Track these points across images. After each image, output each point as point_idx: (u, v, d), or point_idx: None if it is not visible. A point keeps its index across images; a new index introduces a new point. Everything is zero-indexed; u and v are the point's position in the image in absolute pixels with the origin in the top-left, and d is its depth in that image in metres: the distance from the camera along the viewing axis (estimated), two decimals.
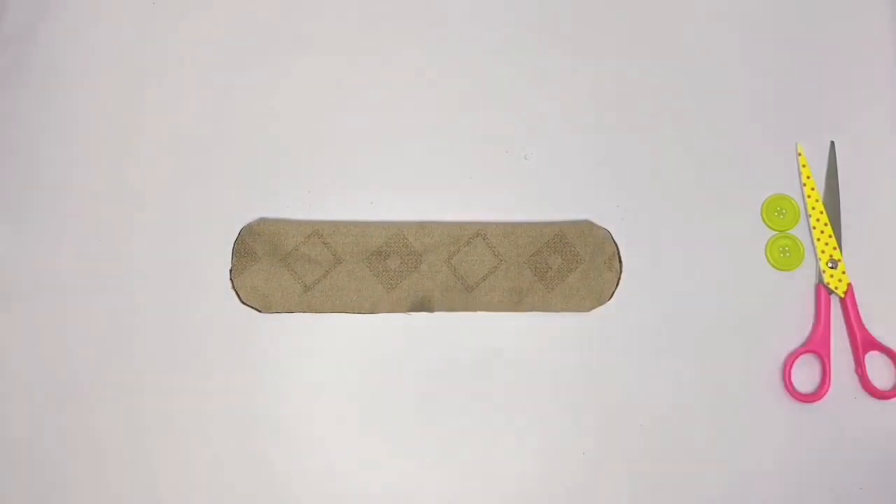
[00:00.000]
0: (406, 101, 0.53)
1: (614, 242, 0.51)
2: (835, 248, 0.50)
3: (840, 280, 0.50)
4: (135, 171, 0.52)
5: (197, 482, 0.48)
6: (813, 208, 0.51)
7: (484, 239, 0.51)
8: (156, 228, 0.51)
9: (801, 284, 0.50)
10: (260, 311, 0.49)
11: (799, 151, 0.51)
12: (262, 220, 0.50)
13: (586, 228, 0.51)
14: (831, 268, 0.50)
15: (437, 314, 0.50)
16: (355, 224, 0.51)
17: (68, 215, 0.51)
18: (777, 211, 0.51)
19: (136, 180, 0.51)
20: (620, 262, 0.50)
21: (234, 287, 0.49)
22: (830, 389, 0.48)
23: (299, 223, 0.50)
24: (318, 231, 0.50)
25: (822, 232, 0.50)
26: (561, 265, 0.50)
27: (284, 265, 0.50)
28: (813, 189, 0.51)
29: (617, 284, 0.50)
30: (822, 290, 0.49)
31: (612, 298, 0.50)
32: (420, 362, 0.50)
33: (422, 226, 0.51)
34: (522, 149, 0.53)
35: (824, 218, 0.51)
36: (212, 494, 0.48)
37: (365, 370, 0.50)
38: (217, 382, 0.49)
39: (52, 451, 0.48)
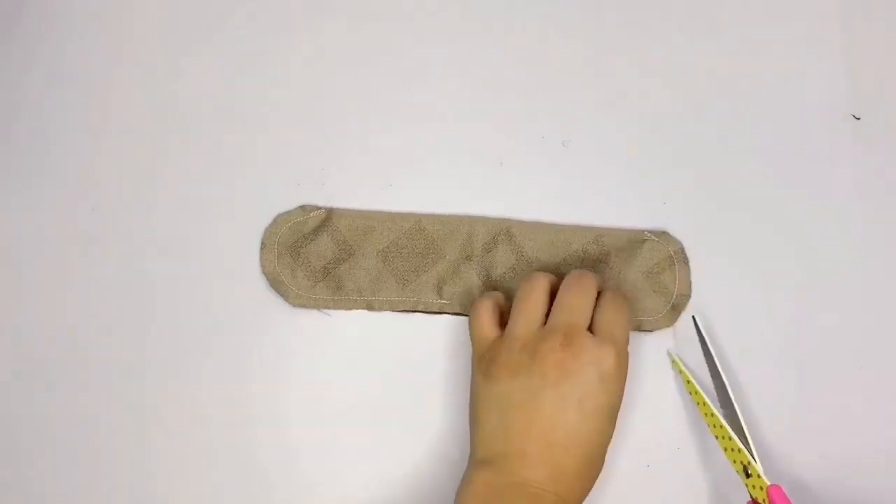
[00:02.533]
0: (435, 77, 0.51)
1: (674, 257, 0.46)
2: (740, 452, 0.40)
3: (760, 486, 0.39)
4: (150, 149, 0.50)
5: (192, 475, 0.46)
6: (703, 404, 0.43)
7: (509, 237, 0.47)
8: (175, 210, 0.49)
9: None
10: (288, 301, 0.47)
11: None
12: (302, 208, 0.48)
13: (627, 236, 0.47)
14: (748, 477, 0.40)
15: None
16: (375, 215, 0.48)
17: (76, 191, 0.49)
18: None
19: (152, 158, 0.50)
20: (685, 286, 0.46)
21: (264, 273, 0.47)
22: None
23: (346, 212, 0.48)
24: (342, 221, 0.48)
25: (722, 438, 0.41)
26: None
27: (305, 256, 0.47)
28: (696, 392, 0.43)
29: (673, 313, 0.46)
30: None
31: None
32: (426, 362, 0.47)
33: (441, 219, 0.48)
34: (561, 134, 0.50)
35: (717, 419, 0.42)
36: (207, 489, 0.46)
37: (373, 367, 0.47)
38: (226, 372, 0.47)
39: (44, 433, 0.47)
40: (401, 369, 0.47)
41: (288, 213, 0.48)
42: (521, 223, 0.48)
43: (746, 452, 0.40)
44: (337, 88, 0.51)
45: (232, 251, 0.48)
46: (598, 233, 0.47)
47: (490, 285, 0.47)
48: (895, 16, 0.52)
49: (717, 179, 0.49)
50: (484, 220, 0.48)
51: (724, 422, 0.41)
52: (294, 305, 0.47)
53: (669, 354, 0.46)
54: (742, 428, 0.41)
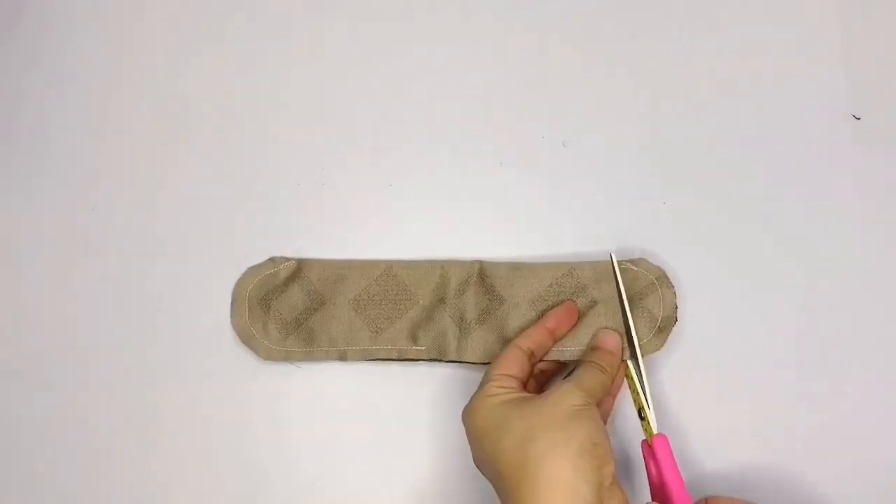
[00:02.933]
0: (437, 73, 0.51)
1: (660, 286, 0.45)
2: (639, 395, 0.42)
3: (650, 432, 0.42)
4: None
5: (191, 476, 0.46)
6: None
7: (481, 279, 0.46)
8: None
9: None
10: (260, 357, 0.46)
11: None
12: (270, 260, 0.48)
13: (602, 267, 0.46)
14: (641, 418, 0.42)
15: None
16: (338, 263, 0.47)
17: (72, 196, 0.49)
18: None
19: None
20: (670, 318, 0.45)
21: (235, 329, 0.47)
22: None
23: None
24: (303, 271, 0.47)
25: (629, 378, 0.44)
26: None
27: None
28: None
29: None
30: (645, 447, 0.42)
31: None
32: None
33: (412, 264, 0.47)
34: (561, 135, 0.50)
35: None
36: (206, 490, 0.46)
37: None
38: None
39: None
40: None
41: (258, 266, 0.47)
42: (493, 265, 0.46)
43: (642, 396, 0.42)
44: (337, 97, 0.51)
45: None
46: (571, 266, 0.46)
47: (465, 328, 0.46)
48: (895, 16, 0.52)
49: (716, 179, 0.49)
50: (455, 263, 0.47)
51: (630, 365, 0.43)
52: (264, 360, 0.46)
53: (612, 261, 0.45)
54: (641, 372, 0.43)
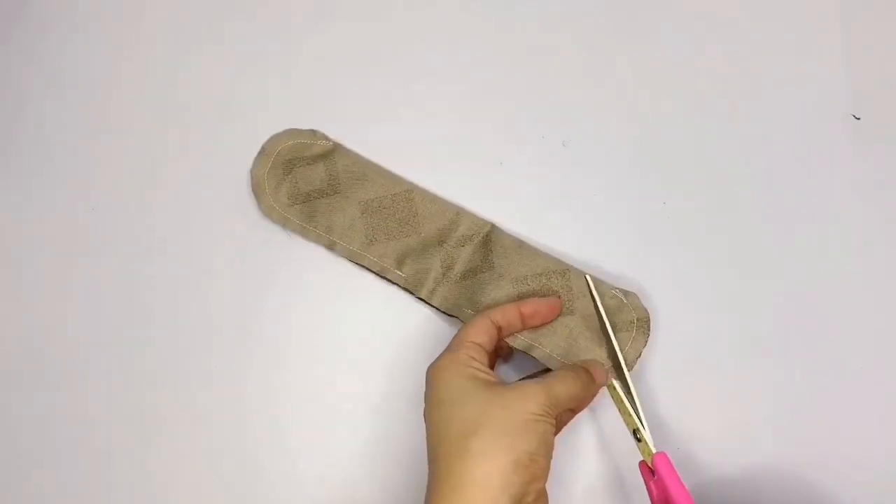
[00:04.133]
0: (437, 73, 0.51)
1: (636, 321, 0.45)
2: (632, 417, 0.42)
3: (647, 452, 0.41)
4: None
5: (191, 472, 0.46)
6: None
7: (484, 241, 0.46)
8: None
9: None
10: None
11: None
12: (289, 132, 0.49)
13: (595, 282, 0.45)
14: (637, 440, 0.42)
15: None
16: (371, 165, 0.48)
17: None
18: None
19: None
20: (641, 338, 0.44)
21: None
22: None
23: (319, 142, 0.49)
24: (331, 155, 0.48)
25: (619, 401, 0.43)
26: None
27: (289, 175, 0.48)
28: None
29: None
30: (644, 468, 0.41)
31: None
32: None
33: (432, 197, 0.48)
34: (561, 135, 0.50)
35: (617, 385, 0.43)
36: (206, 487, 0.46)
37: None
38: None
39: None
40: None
41: (300, 131, 0.49)
42: (500, 233, 0.47)
43: (635, 418, 0.41)
44: (337, 87, 0.51)
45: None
46: (567, 268, 0.46)
47: (447, 277, 0.46)
48: (895, 16, 0.52)
49: (716, 179, 0.49)
50: (470, 216, 0.47)
51: (617, 387, 0.43)
52: (263, 215, 0.48)
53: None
54: (632, 395, 0.42)
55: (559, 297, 0.45)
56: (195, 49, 0.52)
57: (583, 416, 0.45)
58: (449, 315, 0.46)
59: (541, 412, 0.37)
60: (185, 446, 0.46)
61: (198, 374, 0.47)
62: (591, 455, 0.45)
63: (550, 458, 0.37)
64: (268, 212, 0.47)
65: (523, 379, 0.43)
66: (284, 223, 0.47)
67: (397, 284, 0.47)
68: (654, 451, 0.40)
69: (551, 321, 0.44)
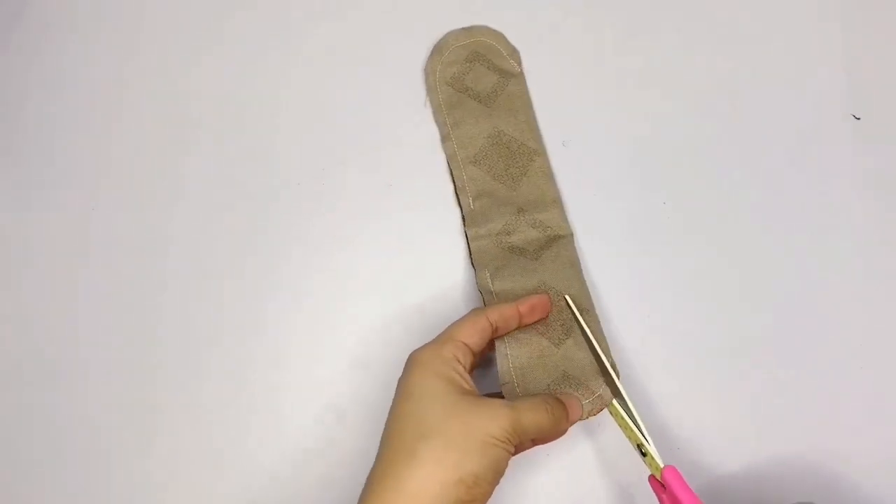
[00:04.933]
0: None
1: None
2: (634, 433, 0.40)
3: (655, 466, 0.39)
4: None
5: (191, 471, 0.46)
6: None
7: (551, 240, 0.46)
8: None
9: None
10: None
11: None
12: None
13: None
14: (643, 454, 0.40)
15: None
16: None
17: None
18: None
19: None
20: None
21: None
22: None
23: None
24: None
25: (620, 419, 0.41)
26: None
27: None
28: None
29: None
30: (654, 482, 0.40)
31: None
32: None
33: (548, 173, 0.49)
34: (561, 135, 0.50)
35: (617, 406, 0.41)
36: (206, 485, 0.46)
37: None
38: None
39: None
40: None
41: (506, 40, 0.51)
42: (569, 244, 0.47)
43: (638, 433, 0.40)
44: (337, 84, 0.51)
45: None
46: (590, 307, 0.45)
47: (499, 239, 0.46)
48: (895, 16, 0.52)
49: (716, 179, 0.49)
50: (559, 212, 0.48)
51: (617, 404, 0.41)
52: (425, 70, 0.50)
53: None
54: (630, 410, 0.41)
55: (548, 294, 0.44)
56: (197, 48, 0.52)
57: (582, 434, 0.45)
58: (472, 266, 0.47)
59: (501, 438, 0.36)
60: (186, 446, 0.46)
61: (198, 374, 0.47)
62: (595, 473, 0.45)
63: (496, 484, 0.36)
64: (430, 72, 0.50)
65: (494, 395, 0.42)
66: (432, 90, 0.50)
67: (461, 209, 0.48)
68: (661, 464, 0.39)
69: (546, 317, 0.44)
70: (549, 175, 0.48)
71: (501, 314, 0.41)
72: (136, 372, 0.47)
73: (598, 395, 0.41)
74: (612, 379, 0.42)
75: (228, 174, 0.50)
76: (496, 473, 0.36)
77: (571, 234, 0.47)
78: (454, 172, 0.48)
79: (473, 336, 0.40)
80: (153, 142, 0.50)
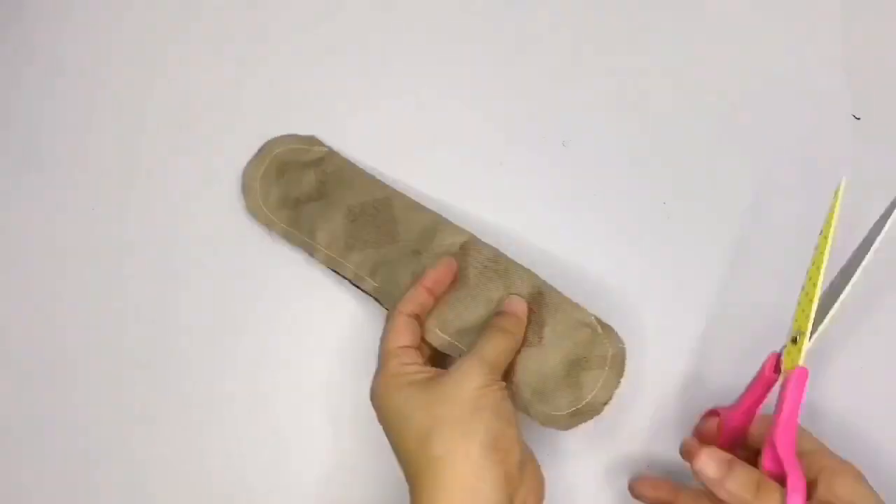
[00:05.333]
0: (437, 73, 0.51)
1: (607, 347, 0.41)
2: (806, 319, 0.37)
3: (793, 359, 0.37)
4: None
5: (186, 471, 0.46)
6: (814, 263, 0.37)
7: (463, 252, 0.44)
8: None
9: None
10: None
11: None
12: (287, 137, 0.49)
13: (567, 306, 0.42)
14: (793, 342, 0.37)
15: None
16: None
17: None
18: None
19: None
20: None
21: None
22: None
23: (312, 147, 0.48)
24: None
25: (806, 294, 0.37)
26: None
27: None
28: (827, 238, 0.37)
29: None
30: (771, 364, 0.38)
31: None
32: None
33: (411, 204, 0.46)
34: (561, 135, 0.50)
35: (817, 277, 0.37)
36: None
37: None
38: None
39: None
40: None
41: (299, 137, 0.48)
42: (478, 244, 0.44)
43: (812, 318, 0.36)
44: (336, 87, 0.51)
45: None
46: (540, 285, 0.43)
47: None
48: (895, 16, 0.52)
49: (716, 179, 0.49)
50: (448, 225, 0.45)
51: (819, 282, 0.37)
52: (249, 213, 0.47)
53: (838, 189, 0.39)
54: (828, 305, 0.37)
55: (452, 257, 0.43)
56: (198, 48, 0.52)
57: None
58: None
59: (482, 384, 0.36)
60: (181, 447, 0.46)
61: (191, 375, 0.47)
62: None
63: (513, 422, 0.36)
64: (254, 211, 0.47)
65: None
66: (270, 225, 0.47)
67: (365, 292, 0.45)
68: (802, 362, 0.36)
69: (454, 280, 0.43)
70: (414, 205, 0.46)
71: (413, 301, 0.41)
72: (135, 372, 0.47)
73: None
74: (850, 275, 0.37)
75: (229, 174, 0.50)
76: (503, 417, 0.36)
77: (472, 235, 0.45)
78: (340, 271, 0.46)
79: (404, 337, 0.40)
80: (153, 142, 0.50)
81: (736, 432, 0.39)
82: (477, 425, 0.35)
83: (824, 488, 0.35)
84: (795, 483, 0.34)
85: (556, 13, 0.52)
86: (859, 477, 0.36)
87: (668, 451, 0.45)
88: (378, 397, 0.38)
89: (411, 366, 0.38)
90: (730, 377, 0.46)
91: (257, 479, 0.46)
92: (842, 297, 0.37)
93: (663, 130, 0.50)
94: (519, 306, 0.42)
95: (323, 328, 0.48)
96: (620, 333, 0.43)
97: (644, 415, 0.45)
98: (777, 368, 0.38)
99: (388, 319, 0.41)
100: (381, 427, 0.38)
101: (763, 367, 0.38)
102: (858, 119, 0.50)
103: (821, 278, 0.37)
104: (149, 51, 0.52)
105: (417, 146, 0.50)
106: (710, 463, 0.35)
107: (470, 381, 0.36)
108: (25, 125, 0.51)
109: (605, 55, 0.51)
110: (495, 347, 0.39)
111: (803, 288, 0.38)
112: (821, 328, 0.37)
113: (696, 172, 0.49)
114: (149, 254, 0.49)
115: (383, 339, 0.40)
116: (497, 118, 0.50)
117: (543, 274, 0.45)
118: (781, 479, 0.34)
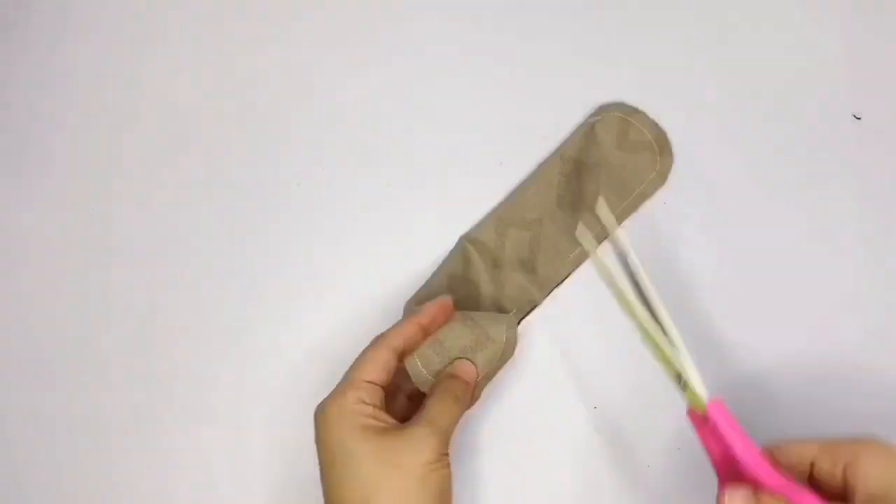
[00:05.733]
0: (434, 77, 0.51)
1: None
2: (672, 362, 0.36)
3: (698, 400, 0.35)
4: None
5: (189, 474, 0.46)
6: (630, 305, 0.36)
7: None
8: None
9: None
10: None
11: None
12: None
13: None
14: (682, 388, 0.36)
15: None
16: None
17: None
18: None
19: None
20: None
21: None
22: None
23: None
24: None
25: (654, 345, 0.36)
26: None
27: None
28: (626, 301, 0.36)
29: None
30: (693, 416, 0.36)
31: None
32: None
33: None
34: (561, 135, 0.49)
35: (647, 333, 0.36)
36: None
37: None
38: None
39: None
40: None
41: None
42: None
43: (678, 361, 0.35)
44: (336, 87, 0.51)
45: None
46: (562, 151, 0.48)
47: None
48: (895, 16, 0.52)
49: (716, 179, 0.49)
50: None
51: (652, 331, 0.36)
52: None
53: (589, 247, 0.40)
54: (672, 336, 0.36)
55: (446, 296, 0.43)
56: (198, 48, 0.52)
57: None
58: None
59: (436, 458, 0.36)
60: (182, 447, 0.46)
61: (194, 376, 0.47)
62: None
63: (451, 499, 0.36)
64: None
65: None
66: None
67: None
68: (706, 398, 0.34)
69: (447, 320, 0.42)
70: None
71: (404, 336, 0.40)
72: (135, 372, 0.47)
73: (499, 343, 0.42)
74: (652, 301, 0.37)
75: (229, 174, 0.50)
76: (445, 493, 0.36)
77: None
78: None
79: (376, 372, 0.38)
80: (153, 142, 0.51)
81: (759, 482, 0.34)
82: (423, 500, 0.35)
83: (854, 479, 0.32)
84: (802, 498, 0.31)
85: (557, 13, 0.52)
86: (881, 448, 0.33)
87: (668, 451, 0.45)
88: (324, 426, 0.37)
89: (368, 407, 0.37)
90: (730, 376, 0.46)
91: (255, 480, 0.46)
92: (674, 331, 0.36)
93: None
94: (469, 372, 0.40)
95: (323, 327, 0.48)
96: (619, 335, 0.44)
97: (645, 414, 0.45)
98: (701, 417, 0.35)
99: (371, 346, 0.39)
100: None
101: (696, 428, 0.36)
102: (859, 119, 0.50)
103: (651, 331, 0.36)
104: (148, 52, 0.52)
105: (417, 146, 0.50)
106: (734, 497, 0.32)
107: (422, 453, 0.36)
108: (24, 125, 0.51)
109: (604, 55, 0.51)
110: (447, 414, 0.38)
111: (646, 341, 0.37)
112: (688, 360, 0.36)
113: (696, 172, 0.49)
114: (145, 254, 0.49)
115: (355, 365, 0.39)
116: (497, 118, 0.50)
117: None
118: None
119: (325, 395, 0.46)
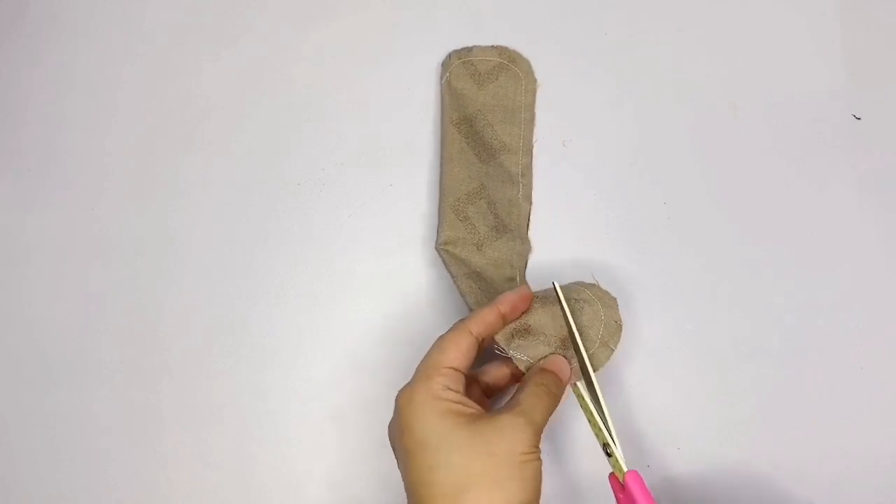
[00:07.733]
0: (435, 76, 0.51)
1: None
2: (602, 432, 0.39)
3: (619, 468, 0.38)
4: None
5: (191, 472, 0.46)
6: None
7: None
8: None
9: None
10: None
11: None
12: None
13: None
14: (608, 455, 0.39)
15: None
16: None
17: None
18: None
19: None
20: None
21: None
22: None
23: None
24: None
25: (588, 414, 0.40)
26: None
27: None
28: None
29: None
30: (614, 481, 0.39)
31: None
32: None
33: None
34: (561, 135, 0.50)
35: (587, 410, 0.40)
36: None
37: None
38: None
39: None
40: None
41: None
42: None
43: (605, 433, 0.39)
44: (334, 86, 0.51)
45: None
46: (448, 120, 0.48)
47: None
48: (895, 16, 0.52)
49: (716, 179, 0.49)
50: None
51: (588, 400, 0.40)
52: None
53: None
54: (602, 408, 0.39)
55: (527, 284, 0.43)
56: (199, 48, 0.52)
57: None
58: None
59: (530, 450, 0.35)
60: (185, 446, 0.46)
61: (196, 375, 0.47)
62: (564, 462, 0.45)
63: (540, 495, 0.35)
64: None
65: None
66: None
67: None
68: (625, 468, 0.38)
69: (527, 310, 0.42)
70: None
71: (484, 322, 0.39)
72: (135, 372, 0.47)
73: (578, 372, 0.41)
74: (588, 371, 0.40)
75: (228, 174, 0.50)
76: (538, 487, 0.35)
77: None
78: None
79: (459, 359, 0.37)
80: (153, 142, 0.51)
81: None
82: (517, 491, 0.34)
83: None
84: None
85: (557, 13, 0.52)
86: None
87: (669, 450, 0.45)
88: (411, 406, 0.36)
89: (455, 393, 0.36)
90: (729, 376, 0.46)
91: (263, 478, 0.46)
92: (603, 405, 0.40)
93: (663, 130, 0.50)
94: (563, 366, 0.40)
95: (323, 327, 0.48)
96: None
97: (643, 415, 0.46)
98: (619, 484, 0.38)
99: (452, 331, 0.38)
100: (385, 431, 0.37)
101: (616, 493, 0.39)
102: (859, 119, 0.50)
103: (587, 399, 0.40)
104: (148, 52, 0.52)
105: (417, 145, 0.50)
106: None
107: (517, 442, 0.35)
108: (24, 125, 0.51)
109: (604, 54, 0.51)
110: (542, 409, 0.37)
111: (584, 410, 0.40)
112: (614, 433, 0.39)
113: (696, 172, 0.49)
114: (146, 255, 0.49)
115: (435, 351, 0.37)
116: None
117: (543, 274, 0.45)
118: None
119: (325, 394, 0.47)
